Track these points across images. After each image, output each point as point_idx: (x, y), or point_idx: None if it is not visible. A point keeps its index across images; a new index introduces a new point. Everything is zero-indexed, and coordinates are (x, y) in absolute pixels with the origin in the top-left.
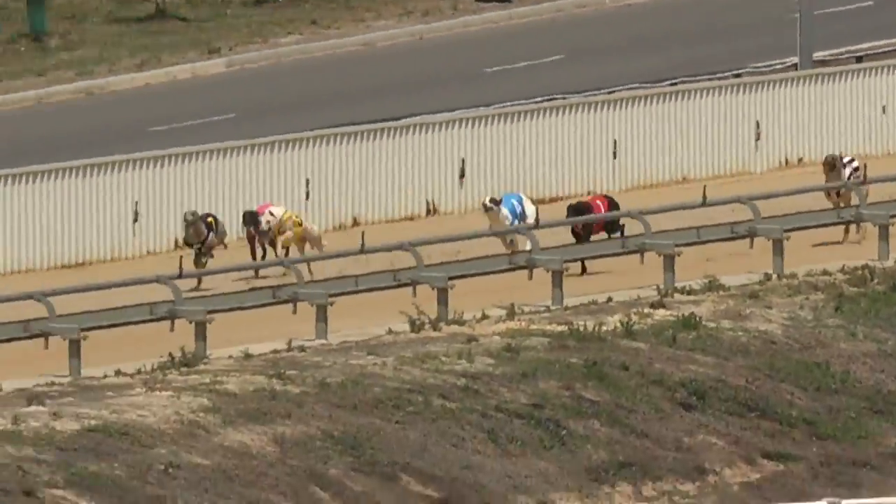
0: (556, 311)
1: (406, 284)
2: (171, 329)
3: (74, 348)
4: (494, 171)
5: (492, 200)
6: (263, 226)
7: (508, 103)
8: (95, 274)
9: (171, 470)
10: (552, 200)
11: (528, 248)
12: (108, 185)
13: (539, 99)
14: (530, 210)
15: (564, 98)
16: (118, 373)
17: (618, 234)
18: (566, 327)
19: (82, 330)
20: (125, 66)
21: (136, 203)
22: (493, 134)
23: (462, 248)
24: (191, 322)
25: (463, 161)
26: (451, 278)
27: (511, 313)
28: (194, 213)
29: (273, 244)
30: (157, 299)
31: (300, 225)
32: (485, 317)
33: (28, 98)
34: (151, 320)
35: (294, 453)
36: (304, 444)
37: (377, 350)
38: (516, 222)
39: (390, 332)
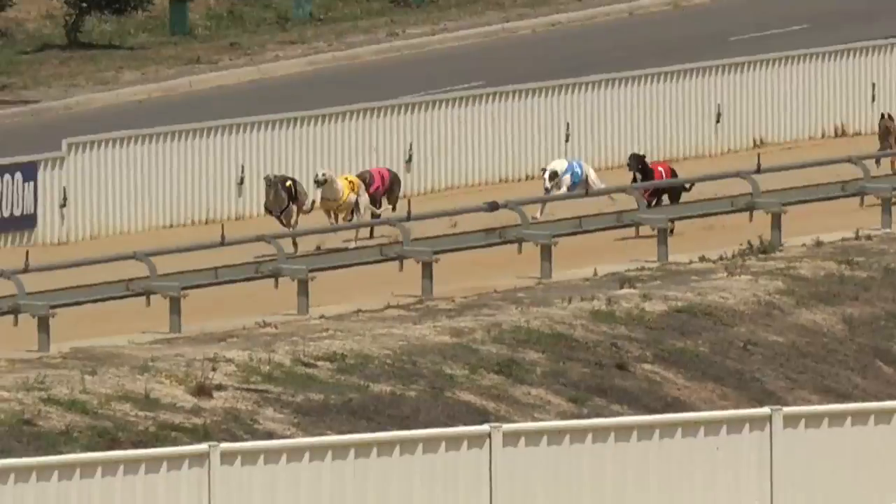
0: None
1: None
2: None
3: (663, 237)
4: None
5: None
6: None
7: None
8: None
9: (749, 347)
10: None
11: None
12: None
13: None
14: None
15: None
16: (702, 259)
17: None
18: None
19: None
20: None
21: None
22: None
23: None
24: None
25: None
26: None
27: None
28: (274, 177)
29: None
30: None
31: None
32: None
33: (622, 10)
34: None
35: (861, 332)
36: (869, 323)
37: None
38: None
39: None
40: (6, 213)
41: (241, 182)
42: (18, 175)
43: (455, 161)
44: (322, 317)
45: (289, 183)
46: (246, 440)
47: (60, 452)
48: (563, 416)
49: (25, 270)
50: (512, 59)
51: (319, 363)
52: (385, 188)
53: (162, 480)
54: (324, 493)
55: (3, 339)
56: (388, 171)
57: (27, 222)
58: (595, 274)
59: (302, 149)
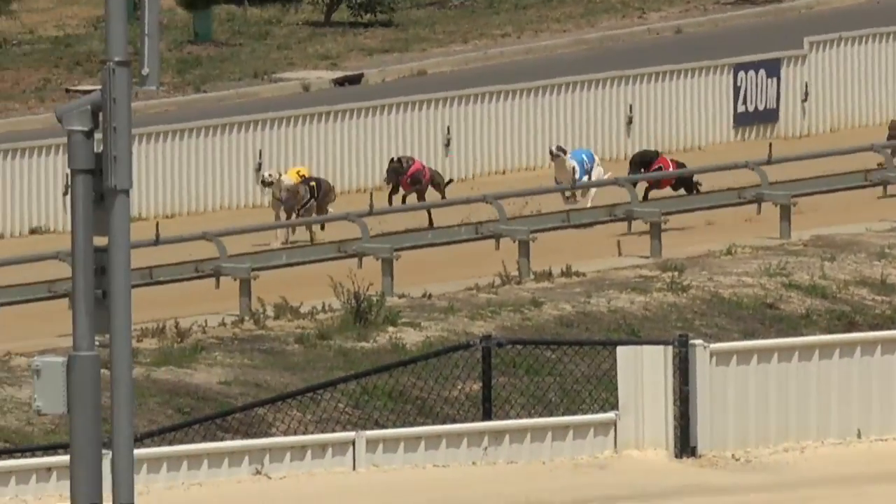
0: None
1: None
2: None
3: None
4: None
5: (558, 148)
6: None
7: None
8: None
9: None
10: None
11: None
12: None
13: None
14: (598, 171)
15: None
16: None
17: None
18: None
19: None
20: None
21: None
22: None
23: None
24: None
25: None
26: None
27: None
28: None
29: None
30: None
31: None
32: None
33: None
34: None
35: None
36: None
37: None
38: (584, 177)
39: None
40: (750, 108)
41: None
42: (762, 72)
43: None
44: None
45: (312, 183)
46: None
47: (801, 334)
48: None
49: (769, 162)
50: None
51: None
52: (427, 182)
53: None
54: None
55: (747, 228)
56: (429, 170)
57: (770, 116)
58: None
59: None
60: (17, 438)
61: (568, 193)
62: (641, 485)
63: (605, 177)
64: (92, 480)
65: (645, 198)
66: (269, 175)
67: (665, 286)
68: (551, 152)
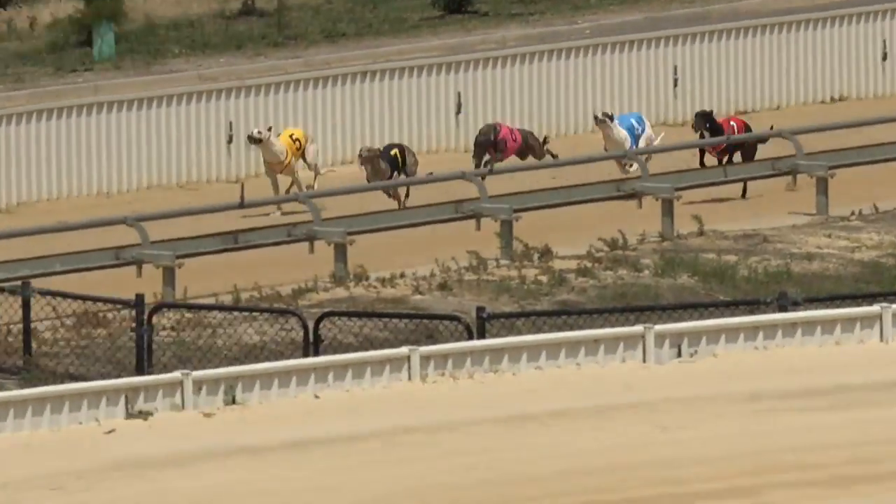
0: None
1: None
2: None
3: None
4: None
5: (604, 114)
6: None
7: None
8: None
9: None
10: None
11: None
12: None
13: None
14: (649, 132)
15: None
16: None
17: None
18: None
19: None
20: None
21: None
22: None
23: None
24: None
25: None
26: None
27: None
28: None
29: None
30: None
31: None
32: None
33: None
34: None
35: None
36: None
37: None
38: (634, 145)
39: None
40: None
41: None
42: None
43: None
44: None
45: (394, 151)
46: None
47: None
48: None
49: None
50: None
51: None
52: (518, 148)
53: None
54: None
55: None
56: (520, 131)
57: None
58: None
59: None
60: None
61: (624, 162)
62: None
63: (656, 141)
64: None
65: (702, 164)
66: (258, 132)
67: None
68: (596, 118)
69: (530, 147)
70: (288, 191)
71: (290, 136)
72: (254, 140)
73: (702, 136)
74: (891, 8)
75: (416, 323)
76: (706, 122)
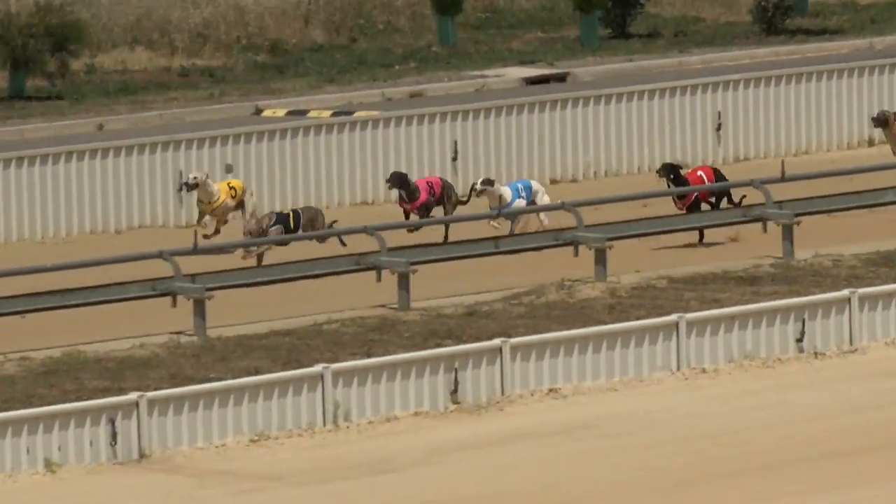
0: None
1: None
2: None
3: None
4: None
5: (483, 182)
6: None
7: None
8: None
9: None
10: None
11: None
12: None
13: None
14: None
15: None
16: None
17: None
18: None
19: None
20: None
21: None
22: None
23: None
24: None
25: None
26: None
27: None
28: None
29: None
30: None
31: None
32: None
33: None
34: None
35: None
36: None
37: None
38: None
39: None
40: None
41: None
42: None
43: None
44: None
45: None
46: None
47: None
48: None
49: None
50: None
51: None
52: (437, 197)
53: None
54: None
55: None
56: (440, 179)
57: None
58: None
59: None
60: None
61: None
62: None
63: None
64: None
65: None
66: (194, 178)
67: None
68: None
69: (450, 199)
70: (214, 233)
71: (228, 185)
72: (189, 186)
73: (668, 186)
74: None
75: None
76: (671, 173)
